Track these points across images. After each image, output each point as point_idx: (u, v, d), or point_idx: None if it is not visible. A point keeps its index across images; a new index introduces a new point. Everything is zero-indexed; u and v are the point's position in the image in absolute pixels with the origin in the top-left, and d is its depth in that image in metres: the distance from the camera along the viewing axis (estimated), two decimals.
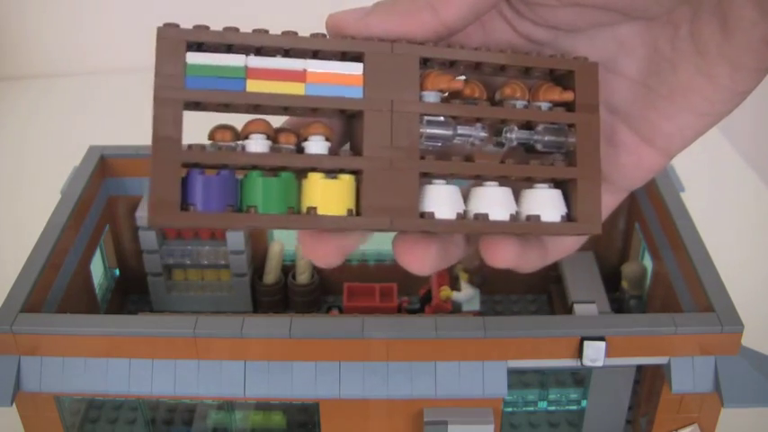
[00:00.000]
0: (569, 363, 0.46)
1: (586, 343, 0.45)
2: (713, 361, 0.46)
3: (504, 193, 0.34)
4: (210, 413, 0.53)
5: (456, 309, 0.62)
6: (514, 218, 0.34)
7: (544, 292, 0.67)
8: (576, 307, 0.55)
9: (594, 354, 0.45)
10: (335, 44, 0.32)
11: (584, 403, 0.52)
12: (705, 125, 0.35)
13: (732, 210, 0.83)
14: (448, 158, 0.34)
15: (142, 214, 0.62)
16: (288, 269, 0.66)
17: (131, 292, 0.67)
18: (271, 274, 0.65)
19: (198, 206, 0.31)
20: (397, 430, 0.48)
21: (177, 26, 0.31)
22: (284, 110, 0.33)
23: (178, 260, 0.64)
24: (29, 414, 0.48)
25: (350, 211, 0.32)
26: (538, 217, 0.34)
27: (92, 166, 0.60)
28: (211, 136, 0.32)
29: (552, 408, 0.53)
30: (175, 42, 0.31)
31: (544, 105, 0.34)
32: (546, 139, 0.35)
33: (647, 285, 0.62)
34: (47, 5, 1.07)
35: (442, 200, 0.33)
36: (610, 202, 0.37)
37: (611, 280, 0.64)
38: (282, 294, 0.66)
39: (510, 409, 0.53)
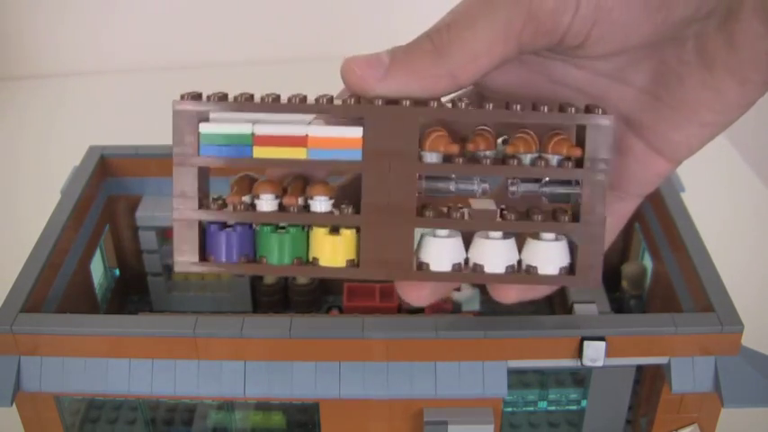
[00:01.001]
0: (569, 363, 0.46)
1: (586, 343, 0.45)
2: (713, 361, 0.46)
3: (505, 245, 0.35)
4: (210, 413, 0.53)
5: (456, 309, 0.62)
6: (512, 269, 0.36)
7: None
8: (576, 307, 0.55)
9: (594, 354, 0.45)
10: (338, 111, 0.34)
11: (584, 403, 0.52)
12: (711, 134, 0.35)
13: (732, 210, 0.83)
14: (454, 203, 0.35)
15: (142, 214, 0.62)
16: None
17: (131, 292, 0.67)
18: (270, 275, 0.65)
19: (216, 257, 0.36)
20: (397, 430, 0.48)
21: (195, 96, 0.34)
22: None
23: None
24: (29, 414, 0.48)
25: (350, 261, 0.35)
26: (536, 269, 0.35)
27: (92, 166, 0.60)
28: (232, 187, 0.36)
29: (552, 408, 0.53)
30: (189, 116, 0.34)
31: (553, 158, 0.34)
32: (552, 192, 0.35)
33: (647, 285, 0.62)
34: (47, 5, 1.07)
35: (438, 252, 0.35)
36: (622, 209, 0.38)
37: (611, 280, 0.64)
38: (282, 294, 0.66)
39: (510, 409, 0.53)
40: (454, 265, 0.36)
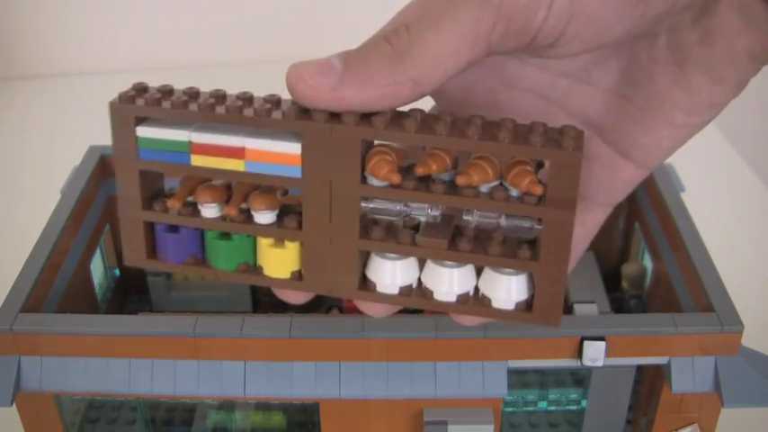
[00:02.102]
0: (569, 363, 0.46)
1: (586, 343, 0.45)
2: (713, 361, 0.46)
3: (460, 274, 0.33)
4: (210, 413, 0.53)
5: None
6: (465, 297, 0.33)
7: None
8: (576, 307, 0.55)
9: (594, 354, 0.45)
10: (276, 124, 0.31)
11: (584, 403, 0.52)
12: (682, 137, 0.33)
13: (732, 210, 0.83)
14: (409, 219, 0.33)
15: None
16: None
17: (131, 292, 0.67)
18: None
19: (164, 256, 0.35)
20: (397, 430, 0.48)
21: (131, 96, 0.32)
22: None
23: None
24: (29, 414, 0.48)
25: (295, 273, 0.34)
26: (489, 301, 0.33)
27: (92, 166, 0.60)
28: (181, 183, 0.35)
29: (552, 408, 0.53)
30: (126, 118, 0.32)
31: (513, 191, 0.31)
32: (509, 225, 0.32)
33: (647, 285, 0.62)
34: (47, 5, 1.07)
35: (386, 274, 0.33)
36: (590, 220, 0.35)
37: (611, 280, 0.64)
38: None
39: (510, 409, 0.53)
40: (402, 288, 0.34)
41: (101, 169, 0.61)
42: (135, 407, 0.54)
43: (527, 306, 0.33)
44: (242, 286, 0.64)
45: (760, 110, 0.93)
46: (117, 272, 0.66)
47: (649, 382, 0.52)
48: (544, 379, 0.52)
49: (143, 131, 0.33)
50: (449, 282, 0.33)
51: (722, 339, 0.46)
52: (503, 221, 0.32)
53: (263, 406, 0.52)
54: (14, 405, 0.46)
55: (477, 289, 0.34)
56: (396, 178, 0.31)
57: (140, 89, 0.33)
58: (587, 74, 0.33)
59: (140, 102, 0.32)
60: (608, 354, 0.45)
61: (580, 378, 0.52)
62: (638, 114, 0.33)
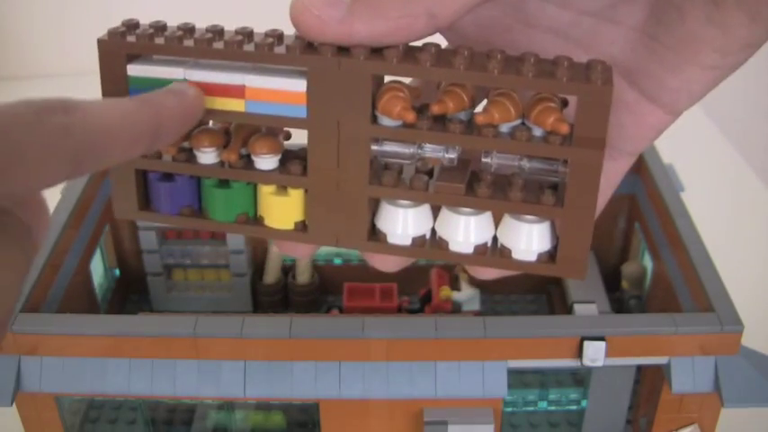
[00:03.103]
0: (569, 363, 0.46)
1: (586, 343, 0.45)
2: (713, 361, 0.46)
3: (477, 222, 0.30)
4: (210, 413, 0.53)
5: (456, 309, 0.62)
6: (483, 248, 0.31)
7: (544, 292, 0.67)
8: (576, 307, 0.55)
9: (594, 354, 0.45)
10: (279, 60, 0.29)
11: (584, 403, 0.52)
12: (714, 79, 0.30)
13: (732, 210, 0.83)
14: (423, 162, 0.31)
15: None
16: (288, 269, 0.66)
17: (131, 292, 0.67)
18: (271, 274, 0.65)
19: (157, 207, 0.32)
20: (397, 430, 0.48)
21: (123, 31, 0.30)
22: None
23: (178, 260, 0.64)
24: (29, 414, 0.48)
25: (299, 224, 0.32)
26: (509, 252, 0.30)
27: None
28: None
29: (552, 408, 0.53)
30: (115, 55, 0.30)
31: (537, 129, 0.29)
32: (533, 167, 0.30)
33: (647, 285, 0.62)
34: (46, 5, 1.07)
35: (397, 224, 0.31)
36: (614, 169, 0.33)
37: (611, 280, 0.64)
38: (282, 294, 0.66)
39: (510, 409, 0.53)
40: (415, 239, 0.31)
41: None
42: (135, 407, 0.55)
43: (550, 257, 0.30)
44: (242, 286, 0.64)
45: (760, 110, 0.93)
46: (117, 272, 0.66)
47: (649, 382, 0.52)
48: (544, 379, 0.52)
49: (134, 70, 0.30)
50: (465, 231, 0.30)
51: (722, 339, 0.46)
52: (525, 164, 0.30)
53: (263, 406, 0.52)
54: (14, 405, 0.46)
55: (495, 239, 0.31)
56: (410, 116, 0.28)
57: (131, 25, 0.30)
58: (612, 11, 0.31)
59: (131, 38, 0.30)
60: (608, 354, 0.45)
61: (580, 378, 0.52)
62: (667, 55, 0.30)
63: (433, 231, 0.31)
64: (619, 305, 0.64)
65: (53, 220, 0.54)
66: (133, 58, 0.30)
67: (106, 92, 0.31)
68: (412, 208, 0.31)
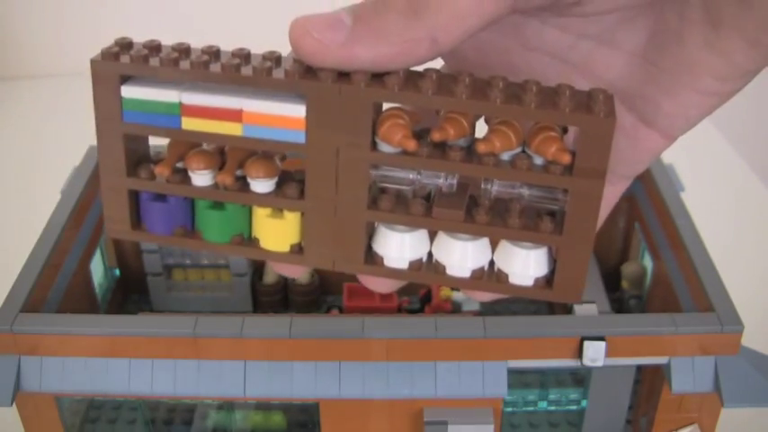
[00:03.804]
0: (569, 363, 0.46)
1: (586, 343, 0.45)
2: (713, 361, 0.46)
3: (474, 247, 0.30)
4: (210, 413, 0.53)
5: (456, 309, 0.62)
6: (480, 272, 0.31)
7: None
8: (576, 307, 0.55)
9: (594, 354, 0.45)
10: (277, 85, 0.28)
11: (584, 403, 0.52)
12: (711, 105, 0.30)
13: (732, 210, 0.83)
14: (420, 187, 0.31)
15: None
16: None
17: (131, 292, 0.67)
18: (271, 274, 0.65)
19: (149, 227, 0.32)
20: (397, 430, 0.48)
21: (116, 53, 0.29)
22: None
23: (178, 260, 0.64)
24: (29, 414, 0.48)
25: (293, 246, 0.31)
26: (506, 277, 0.30)
27: (92, 165, 0.60)
28: (168, 149, 0.32)
29: (552, 408, 0.53)
30: (109, 77, 0.29)
31: (538, 159, 0.29)
32: (532, 194, 0.30)
33: (647, 285, 0.62)
34: (47, 5, 1.07)
35: (394, 247, 0.31)
36: (610, 194, 0.33)
37: (611, 280, 0.64)
38: (282, 294, 0.66)
39: (510, 409, 0.53)
40: (412, 263, 0.31)
41: None
42: (135, 407, 0.55)
43: (546, 282, 0.30)
44: (242, 286, 0.64)
45: (760, 110, 0.93)
46: (117, 272, 0.66)
47: (649, 382, 0.52)
48: (544, 379, 0.52)
49: (128, 92, 0.29)
50: (462, 255, 0.30)
51: (722, 339, 0.46)
52: (524, 191, 0.30)
53: (263, 406, 0.52)
54: (14, 405, 0.46)
55: (492, 263, 0.31)
56: (412, 145, 0.28)
57: (125, 45, 0.30)
58: (611, 35, 0.31)
59: (125, 59, 0.29)
60: (608, 354, 0.45)
61: (580, 378, 0.52)
62: (664, 79, 0.30)
63: (430, 255, 0.31)
64: (619, 305, 0.64)
65: (53, 220, 0.54)
66: (126, 79, 0.30)
67: (100, 113, 0.30)
68: (409, 232, 0.31)
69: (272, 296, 0.65)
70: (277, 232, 0.31)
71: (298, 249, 0.31)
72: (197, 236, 0.32)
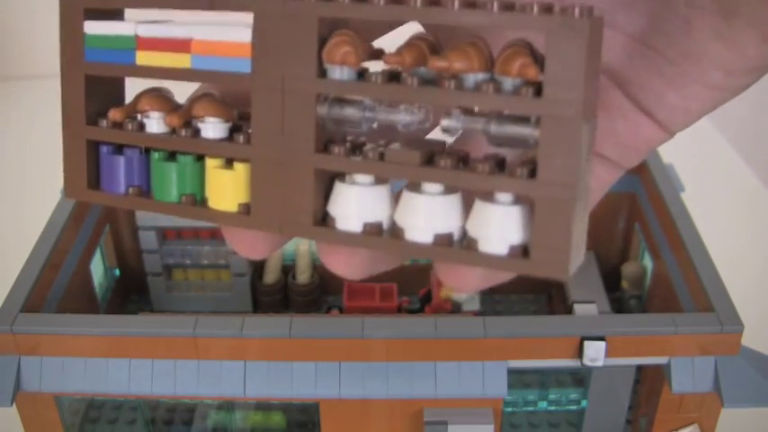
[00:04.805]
0: (569, 363, 0.46)
1: (586, 343, 0.45)
2: (713, 361, 0.46)
3: (440, 204, 0.25)
4: (210, 413, 0.53)
5: (456, 309, 0.62)
6: (443, 240, 0.25)
7: (544, 292, 0.67)
8: (576, 307, 0.55)
9: (594, 354, 0.45)
10: (222, 5, 0.26)
11: (584, 403, 0.52)
12: (714, 100, 0.28)
13: (732, 210, 0.83)
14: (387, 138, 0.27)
15: (142, 214, 0.62)
16: (288, 269, 0.66)
17: (131, 292, 0.67)
18: (271, 274, 0.65)
19: (105, 186, 0.30)
20: (397, 430, 0.48)
21: None
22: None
23: (178, 260, 0.64)
24: (29, 414, 0.48)
25: (242, 206, 0.28)
26: (476, 243, 0.24)
27: None
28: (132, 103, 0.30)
29: (552, 408, 0.53)
30: (74, 11, 0.29)
31: (506, 81, 0.24)
32: (499, 131, 0.24)
33: (647, 285, 0.62)
34: (47, 5, 1.07)
35: (349, 204, 0.26)
36: (601, 176, 0.30)
37: (611, 280, 0.64)
38: (282, 294, 0.66)
39: (510, 409, 0.53)
40: (367, 225, 0.26)
41: None
42: (135, 407, 0.55)
43: (524, 252, 0.24)
44: (242, 286, 0.65)
45: (760, 110, 0.93)
46: (117, 272, 0.66)
47: (649, 382, 0.52)
48: (544, 379, 0.52)
49: (91, 27, 0.29)
50: (425, 213, 0.25)
51: (722, 339, 0.46)
52: (493, 128, 0.24)
53: (263, 406, 0.52)
54: (14, 405, 0.46)
55: (464, 232, 0.26)
56: (353, 59, 0.25)
57: None
58: (612, 17, 0.28)
59: None
60: (608, 354, 0.45)
61: (580, 378, 0.52)
62: (667, 68, 0.28)
63: (393, 222, 0.27)
64: (619, 305, 0.64)
65: (53, 220, 0.54)
66: (91, 14, 0.29)
67: (64, 54, 0.29)
68: (365, 187, 0.26)
69: (272, 296, 0.65)
70: (226, 187, 0.28)
71: (245, 210, 0.27)
72: (150, 197, 0.29)
